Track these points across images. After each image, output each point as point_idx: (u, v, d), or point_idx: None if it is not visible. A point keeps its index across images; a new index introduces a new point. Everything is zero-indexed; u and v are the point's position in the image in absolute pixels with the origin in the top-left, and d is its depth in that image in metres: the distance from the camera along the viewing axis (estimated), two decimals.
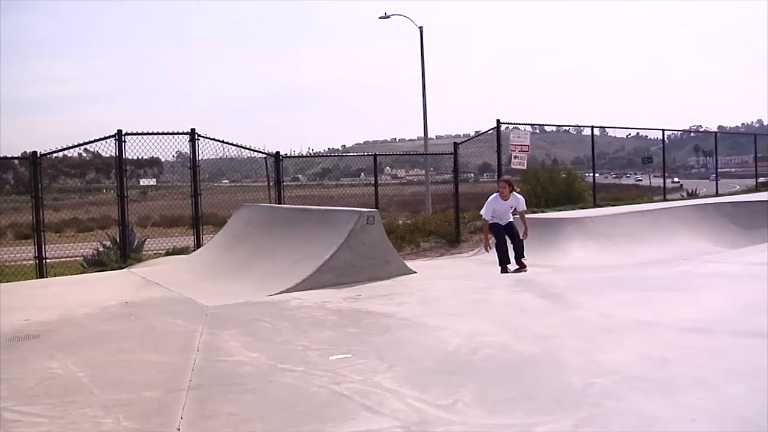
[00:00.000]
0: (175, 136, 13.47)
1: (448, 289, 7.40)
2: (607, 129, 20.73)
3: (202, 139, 13.44)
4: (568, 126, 22.08)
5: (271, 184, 14.59)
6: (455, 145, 16.91)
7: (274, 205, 9.32)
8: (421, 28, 30.14)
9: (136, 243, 13.96)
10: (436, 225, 15.99)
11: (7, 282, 13.55)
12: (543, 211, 17.09)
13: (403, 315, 5.97)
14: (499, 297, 6.93)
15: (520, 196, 10.82)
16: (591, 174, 23.21)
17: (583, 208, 17.80)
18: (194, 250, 13.04)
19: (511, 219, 10.80)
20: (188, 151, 13.80)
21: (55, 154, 13.18)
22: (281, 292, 7.04)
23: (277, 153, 14.30)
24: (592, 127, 20.03)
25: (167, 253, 13.53)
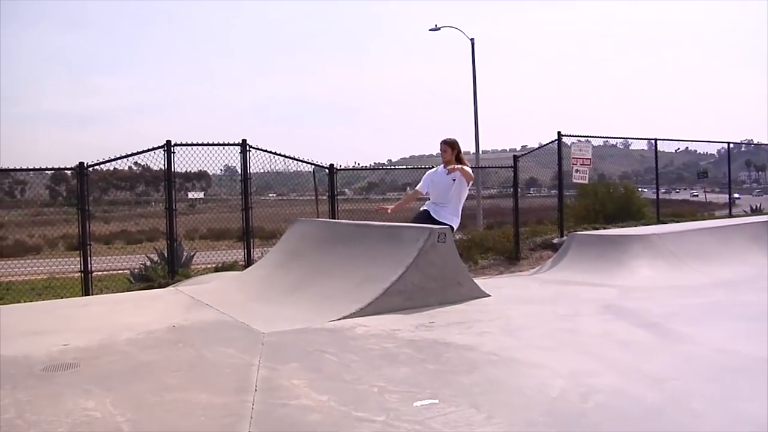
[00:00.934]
0: (224, 149, 12.75)
1: (530, 316, 6.51)
2: (657, 143, 19.57)
3: (252, 151, 12.70)
4: (630, 139, 20.90)
5: (319, 197, 13.85)
6: (515, 158, 16.06)
7: (331, 220, 8.45)
8: (472, 39, 29.37)
9: (184, 258, 13.29)
10: (494, 241, 15.06)
11: (53, 297, 13.09)
12: (604, 227, 16.08)
13: (488, 348, 5.11)
14: (590, 326, 6.04)
15: (464, 177, 8.56)
16: (644, 189, 22.17)
17: (646, 225, 16.72)
18: (244, 265, 12.34)
19: (448, 217, 8.59)
20: (235, 165, 13.15)
21: (105, 168, 12.62)
22: (344, 318, 6.22)
23: (331, 165, 13.54)
24: (656, 140, 19.02)
25: (216, 269, 12.83)
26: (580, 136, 16.14)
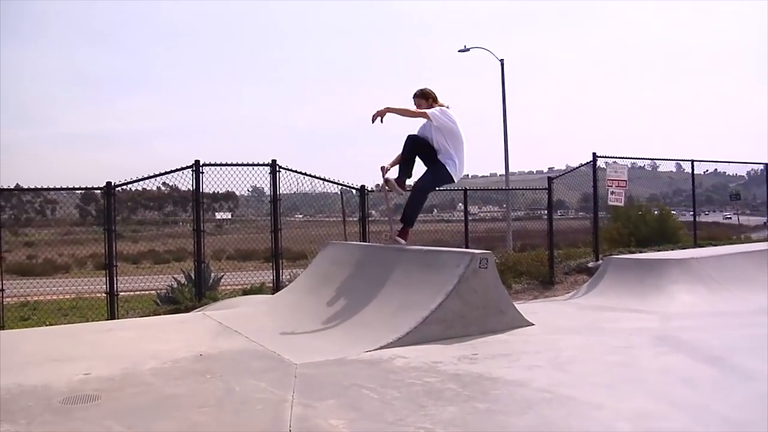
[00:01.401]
0: (252, 169, 12.41)
1: (579, 348, 6.04)
2: (693, 164, 18.97)
3: (282, 171, 12.34)
4: (666, 160, 20.29)
5: (349, 219, 13.46)
6: (549, 180, 15.65)
7: (364, 243, 8.01)
8: (502, 60, 28.99)
9: (211, 280, 12.93)
10: (527, 265, 14.56)
11: (79, 318, 12.81)
12: (640, 251, 15.52)
13: (540, 384, 4.66)
14: (647, 360, 5.56)
15: (428, 119, 7.81)
16: (672, 211, 21.56)
17: (683, 248, 16.14)
18: (272, 288, 11.96)
19: (444, 160, 7.97)
20: (263, 186, 12.82)
21: (134, 188, 12.35)
22: (381, 348, 5.81)
23: (362, 187, 13.17)
24: (692, 161, 18.41)
25: (244, 292, 12.45)
26: (616, 158, 15.65)
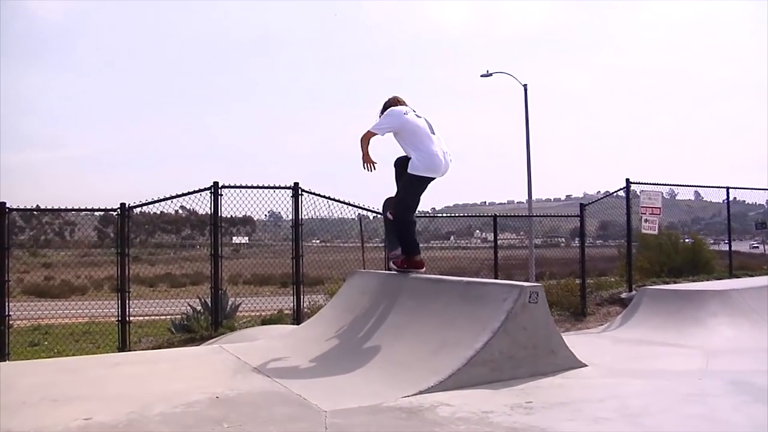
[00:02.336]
0: (271, 193, 11.68)
1: (647, 395, 5.22)
2: (729, 191, 18.14)
3: (305, 195, 11.62)
4: (701, 187, 19.39)
5: (375, 245, 12.74)
6: (581, 206, 14.86)
7: (395, 272, 7.20)
8: (525, 85, 28.27)
9: (228, 308, 12.15)
10: (557, 295, 13.73)
11: (91, 344, 12.11)
12: (674, 281, 14.68)
13: None
14: (730, 412, 4.73)
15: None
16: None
17: (718, 278, 15.27)
18: (293, 317, 11.20)
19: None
20: (279, 211, 12.13)
21: (152, 211, 11.74)
22: (421, 393, 5.02)
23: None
24: (728, 188, 17.63)
25: (263, 321, 11.66)
26: (649, 184, 14.86)
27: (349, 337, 6.58)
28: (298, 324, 10.66)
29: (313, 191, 11.66)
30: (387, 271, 7.28)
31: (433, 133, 7.06)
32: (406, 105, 7.22)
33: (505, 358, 5.50)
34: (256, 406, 4.82)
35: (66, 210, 11.15)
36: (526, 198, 31.46)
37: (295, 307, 11.44)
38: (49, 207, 11.04)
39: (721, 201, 21.97)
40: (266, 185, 11.42)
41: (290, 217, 11.92)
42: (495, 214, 14.80)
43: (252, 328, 9.89)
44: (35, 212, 11.21)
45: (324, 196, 11.84)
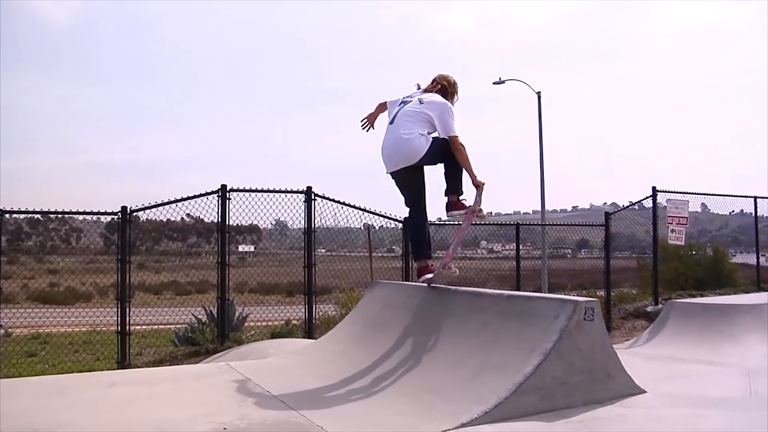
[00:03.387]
0: (281, 199, 10.85)
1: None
2: (756, 201, 17.30)
3: (317, 200, 10.78)
4: (730, 196, 18.48)
5: (393, 255, 11.97)
6: (607, 215, 14.02)
7: (424, 284, 6.32)
8: (539, 93, 27.43)
9: (236, 319, 11.29)
10: None
11: (90, 354, 11.29)
12: (701, 294, 13.84)
13: None
14: None
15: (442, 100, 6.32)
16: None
17: (746, 292, 14.42)
18: (304, 329, 10.38)
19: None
20: (287, 219, 11.35)
21: (159, 218, 10.97)
22: (463, 426, 4.17)
23: (406, 219, 11.60)
24: (755, 198, 16.78)
25: (272, 334, 10.76)
26: (677, 192, 14.04)
27: (372, 356, 5.72)
28: (309, 337, 9.82)
29: (327, 196, 10.82)
30: (412, 283, 6.38)
31: (391, 123, 6.35)
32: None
33: (557, 384, 4.65)
34: None
35: (63, 213, 10.33)
36: (532, 209, 30.70)
37: (307, 319, 10.58)
38: (50, 211, 10.23)
39: (728, 213, 21.19)
40: (277, 189, 10.60)
41: (297, 225, 11.15)
42: (517, 223, 13.95)
43: (261, 342, 9.01)
44: (33, 215, 10.39)
45: (338, 201, 10.98)
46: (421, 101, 6.21)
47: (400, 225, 11.70)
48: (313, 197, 10.82)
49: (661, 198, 14.33)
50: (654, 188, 14.05)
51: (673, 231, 13.74)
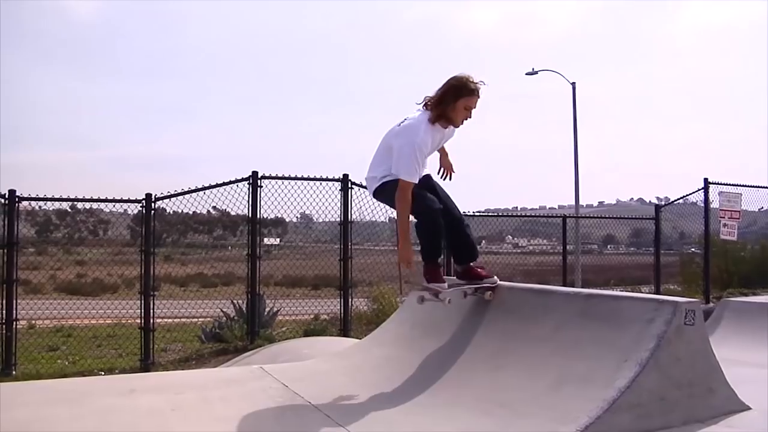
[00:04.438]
0: (313, 189, 10.08)
1: None
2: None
3: (355, 188, 10.02)
4: None
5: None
6: (657, 207, 13.14)
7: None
8: (573, 84, 26.42)
9: (266, 314, 10.51)
10: None
11: (114, 349, 10.63)
12: (754, 293, 12.92)
13: None
14: None
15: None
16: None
17: None
18: (340, 327, 9.62)
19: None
20: (312, 213, 10.69)
21: (185, 210, 10.45)
22: None
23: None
24: None
25: (306, 332, 9.96)
26: (730, 185, 13.11)
27: (426, 364, 4.92)
28: (345, 335, 9.06)
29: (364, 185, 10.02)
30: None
31: None
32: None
33: (654, 400, 3.84)
34: None
35: (84, 200, 9.65)
36: (558, 204, 29.74)
37: (342, 316, 9.81)
38: (69, 198, 9.55)
39: (757, 210, 20.29)
40: (311, 177, 9.81)
41: (323, 218, 10.46)
42: (564, 215, 13.16)
43: (294, 341, 8.22)
44: (60, 206, 9.79)
45: None
46: (400, 124, 5.05)
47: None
48: (350, 185, 10.08)
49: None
50: (706, 180, 13.13)
51: (725, 225, 12.86)
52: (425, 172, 5.19)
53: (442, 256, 5.36)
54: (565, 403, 3.82)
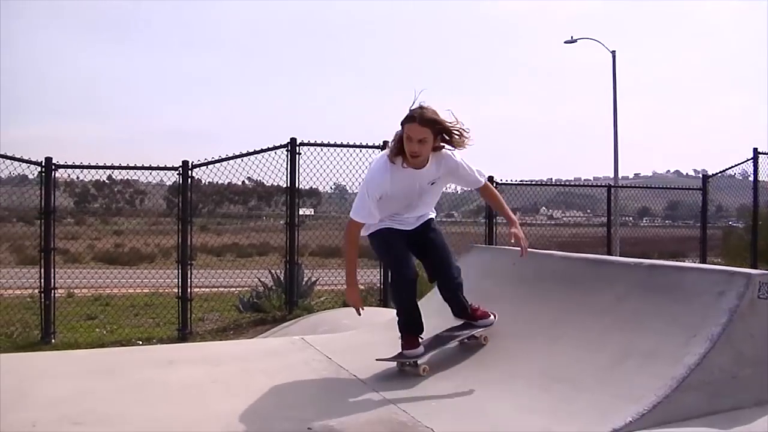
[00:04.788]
0: (350, 157, 9.81)
1: None
2: None
3: None
4: None
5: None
6: (704, 177, 12.70)
7: (536, 250, 5.19)
8: (613, 52, 25.69)
9: (305, 284, 10.33)
10: None
11: (152, 318, 10.55)
12: None
13: None
14: None
15: (458, 160, 4.32)
16: None
17: None
18: (379, 297, 9.40)
19: (431, 215, 4.70)
20: (346, 184, 10.75)
21: (219, 181, 10.30)
22: None
23: (491, 177, 10.55)
24: None
25: (344, 303, 9.74)
26: None
27: None
28: (385, 305, 8.82)
29: None
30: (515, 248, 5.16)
31: None
32: None
33: (726, 379, 3.56)
34: None
35: (120, 168, 9.46)
36: (593, 175, 29.08)
37: (382, 286, 9.61)
38: (106, 165, 9.42)
39: None
40: (350, 144, 9.56)
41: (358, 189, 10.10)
42: (609, 185, 12.77)
43: (333, 311, 8.00)
44: (85, 169, 9.46)
45: None
46: None
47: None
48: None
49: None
50: (755, 150, 12.62)
51: None
52: (430, 215, 4.63)
53: (421, 332, 4.51)
54: (630, 379, 3.56)
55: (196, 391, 3.96)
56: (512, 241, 4.32)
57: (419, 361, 4.32)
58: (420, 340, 4.45)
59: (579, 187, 17.61)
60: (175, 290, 9.83)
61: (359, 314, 4.45)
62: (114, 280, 12.79)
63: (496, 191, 4.76)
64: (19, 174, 9.29)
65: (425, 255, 4.66)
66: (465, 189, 12.42)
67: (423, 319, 4.51)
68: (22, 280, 10.08)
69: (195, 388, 4.03)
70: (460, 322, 4.68)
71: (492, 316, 4.62)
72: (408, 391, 3.92)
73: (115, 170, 9.68)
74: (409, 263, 4.48)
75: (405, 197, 4.35)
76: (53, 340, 8.85)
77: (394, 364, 4.37)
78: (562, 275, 4.76)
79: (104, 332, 9.65)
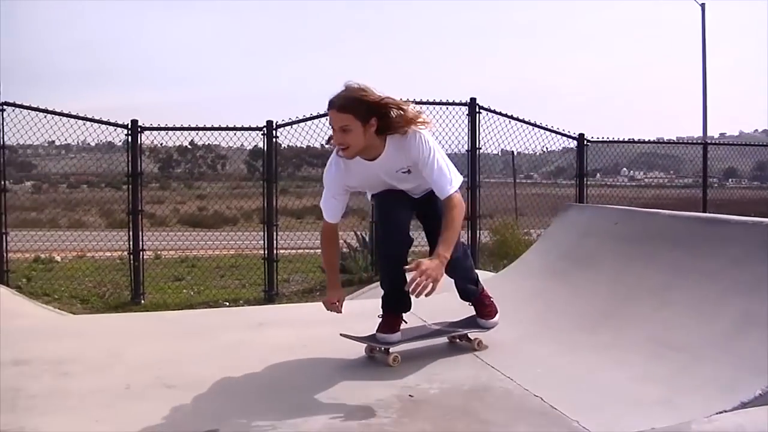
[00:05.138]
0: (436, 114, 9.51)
1: None
2: None
3: (483, 113, 9.46)
4: None
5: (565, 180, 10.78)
6: None
7: (638, 209, 4.88)
8: (703, 5, 24.44)
9: None
10: None
11: (237, 279, 10.62)
12: None
13: None
14: None
15: (421, 150, 3.47)
16: None
17: None
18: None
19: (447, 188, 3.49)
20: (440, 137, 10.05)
21: (298, 144, 10.22)
22: (744, 406, 2.82)
23: (581, 135, 10.10)
24: None
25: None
26: None
27: (579, 298, 4.41)
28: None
29: (493, 109, 9.42)
30: (624, 207, 4.81)
31: None
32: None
33: None
34: (475, 418, 2.81)
35: (205, 129, 9.45)
36: (676, 135, 27.87)
37: (470, 247, 9.40)
38: (191, 127, 9.45)
39: None
40: (435, 101, 9.28)
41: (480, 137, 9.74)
42: (705, 142, 12.13)
43: None
44: (170, 131, 9.53)
45: (506, 115, 9.60)
46: None
47: (575, 143, 10.17)
48: (477, 110, 9.53)
49: None
50: None
51: None
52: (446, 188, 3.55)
53: (406, 311, 4.00)
54: (754, 350, 3.23)
55: (289, 355, 3.85)
56: (413, 266, 3.20)
57: (391, 349, 3.77)
58: (404, 322, 3.95)
59: (670, 145, 16.83)
60: (260, 252, 9.85)
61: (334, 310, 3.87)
62: (200, 242, 12.97)
63: (457, 215, 3.48)
64: (105, 141, 9.42)
65: (429, 228, 3.99)
66: (547, 149, 12.03)
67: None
68: (112, 243, 10.31)
69: (287, 351, 3.93)
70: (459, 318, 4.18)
71: (496, 317, 4.07)
72: (508, 357, 3.71)
73: (198, 133, 9.72)
74: (400, 239, 3.86)
75: (381, 185, 3.80)
76: (143, 301, 9.01)
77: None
78: (670, 235, 4.42)
79: (192, 293, 9.76)
